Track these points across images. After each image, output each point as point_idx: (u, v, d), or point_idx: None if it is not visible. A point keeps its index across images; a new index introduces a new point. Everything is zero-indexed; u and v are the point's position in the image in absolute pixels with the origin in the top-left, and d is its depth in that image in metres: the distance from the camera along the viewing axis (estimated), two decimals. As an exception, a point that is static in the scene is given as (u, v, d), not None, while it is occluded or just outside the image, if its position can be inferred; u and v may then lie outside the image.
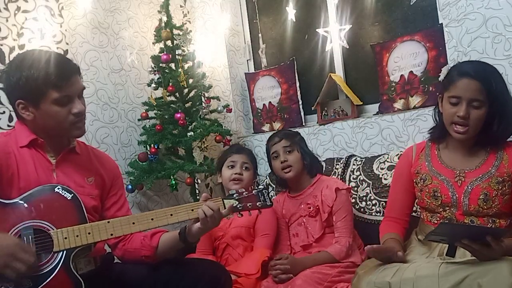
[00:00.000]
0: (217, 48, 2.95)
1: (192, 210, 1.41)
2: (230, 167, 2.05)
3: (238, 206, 1.46)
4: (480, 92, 1.44)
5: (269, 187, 2.39)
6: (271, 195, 1.49)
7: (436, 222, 1.54)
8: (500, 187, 1.45)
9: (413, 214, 1.74)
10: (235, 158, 2.05)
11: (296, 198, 1.98)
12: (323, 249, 1.82)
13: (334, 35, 2.59)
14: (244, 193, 1.47)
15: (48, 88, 1.34)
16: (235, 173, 2.01)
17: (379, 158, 2.11)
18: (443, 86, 1.56)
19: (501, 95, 1.47)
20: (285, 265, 1.71)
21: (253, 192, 1.48)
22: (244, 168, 2.04)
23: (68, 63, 1.41)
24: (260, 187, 1.51)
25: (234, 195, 1.47)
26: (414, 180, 1.62)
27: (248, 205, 1.47)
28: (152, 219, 1.39)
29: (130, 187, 2.44)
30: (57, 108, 1.37)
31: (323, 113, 2.56)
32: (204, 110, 2.59)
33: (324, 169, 2.22)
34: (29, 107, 1.38)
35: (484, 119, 1.46)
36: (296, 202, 1.97)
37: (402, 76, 2.24)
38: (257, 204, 1.47)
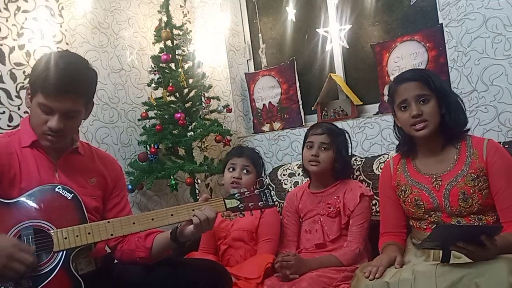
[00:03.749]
0: (217, 48, 2.95)
1: (193, 210, 1.40)
2: (230, 169, 2.03)
3: (239, 206, 1.45)
4: (422, 88, 1.50)
5: (270, 187, 2.39)
6: (273, 194, 1.48)
7: (425, 227, 1.56)
8: (476, 183, 1.46)
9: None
10: (236, 161, 2.03)
11: (316, 195, 1.93)
12: (337, 250, 1.79)
13: (334, 35, 2.60)
14: (246, 193, 1.47)
15: (39, 89, 1.33)
16: (234, 177, 2.00)
17: (379, 158, 2.11)
18: (391, 102, 1.61)
19: (442, 88, 1.51)
20: (290, 261, 1.68)
21: (255, 192, 1.48)
22: (244, 172, 2.01)
23: (73, 81, 1.35)
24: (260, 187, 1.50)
25: (236, 195, 1.47)
26: (397, 193, 1.63)
27: (250, 205, 1.46)
28: (152, 219, 1.39)
29: (130, 187, 2.44)
30: (39, 111, 1.36)
31: (323, 113, 2.56)
32: (204, 110, 2.59)
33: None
34: (29, 96, 1.41)
35: (438, 111, 1.50)
36: (316, 199, 1.92)
37: (402, 76, 2.24)
38: (259, 204, 1.47)
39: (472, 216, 1.47)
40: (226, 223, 1.98)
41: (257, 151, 2.18)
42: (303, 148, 1.96)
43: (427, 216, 1.54)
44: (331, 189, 1.91)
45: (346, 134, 1.96)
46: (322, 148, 1.87)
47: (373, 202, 2.03)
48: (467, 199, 1.46)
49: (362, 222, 1.81)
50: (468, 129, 1.57)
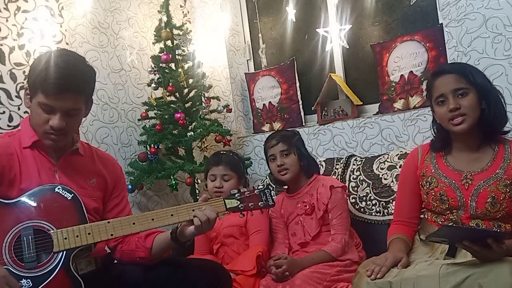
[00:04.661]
0: (217, 48, 2.95)
1: (193, 210, 1.40)
2: (211, 179, 2.08)
3: (239, 206, 1.45)
4: (459, 80, 1.45)
5: (270, 186, 2.39)
6: (273, 194, 1.48)
7: (440, 222, 1.52)
8: (508, 190, 1.41)
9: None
10: (214, 171, 2.07)
11: (294, 198, 1.99)
12: (319, 247, 1.83)
13: (334, 35, 2.59)
14: (246, 193, 1.47)
15: (39, 89, 1.33)
16: (215, 187, 2.05)
17: (379, 158, 2.11)
18: (428, 97, 1.57)
19: (482, 82, 1.46)
20: (283, 265, 1.71)
21: (255, 191, 1.47)
22: (224, 180, 2.06)
23: (73, 79, 1.35)
24: (260, 186, 1.50)
25: (236, 195, 1.46)
26: (420, 183, 1.59)
27: (250, 205, 1.46)
28: (152, 219, 1.39)
29: (130, 187, 2.44)
30: (40, 111, 1.36)
31: (323, 113, 2.56)
32: (204, 110, 2.59)
33: (324, 169, 2.23)
34: (28, 96, 1.40)
35: (477, 105, 1.45)
36: (294, 201, 1.98)
37: (402, 76, 2.24)
38: (259, 204, 1.47)
39: (493, 221, 1.44)
40: (215, 223, 2.01)
41: (232, 153, 2.22)
42: (268, 163, 2.04)
43: (448, 212, 1.50)
44: (306, 189, 1.96)
45: (297, 133, 2.05)
46: (284, 155, 1.95)
47: (373, 202, 2.03)
48: (495, 204, 1.41)
49: (340, 213, 1.86)
50: (508, 131, 1.51)
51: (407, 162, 1.68)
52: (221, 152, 2.23)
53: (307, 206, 1.91)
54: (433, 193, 1.52)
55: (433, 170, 1.55)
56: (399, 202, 1.67)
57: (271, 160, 2.00)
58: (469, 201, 1.45)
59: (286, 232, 2.00)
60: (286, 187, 2.08)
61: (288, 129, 2.09)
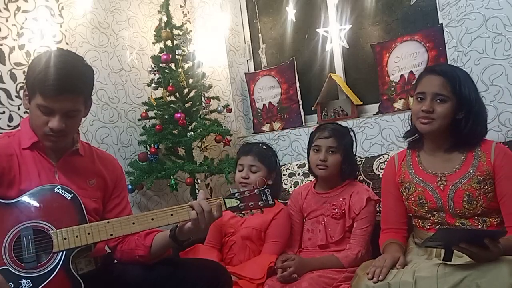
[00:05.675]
0: (217, 48, 2.95)
1: (193, 209, 1.40)
2: (239, 169, 2.02)
3: (239, 206, 1.45)
4: (444, 87, 1.47)
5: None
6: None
7: (428, 227, 1.55)
8: (481, 186, 1.44)
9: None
10: (243, 161, 2.01)
11: (321, 196, 1.92)
12: (340, 251, 1.79)
13: (334, 35, 2.60)
14: (246, 192, 1.46)
15: (38, 91, 1.32)
16: (242, 177, 1.99)
17: (379, 158, 2.11)
18: (413, 88, 1.59)
19: (467, 95, 1.48)
20: (290, 266, 1.68)
21: (255, 191, 1.47)
22: (251, 171, 1.98)
23: (71, 81, 1.34)
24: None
25: (236, 194, 1.46)
26: (400, 190, 1.61)
27: (249, 204, 1.45)
28: (152, 219, 1.38)
29: (130, 187, 2.44)
30: (38, 112, 1.35)
31: (323, 113, 2.56)
32: (204, 110, 2.59)
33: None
34: (26, 98, 1.40)
35: (451, 114, 1.47)
36: (321, 199, 1.92)
37: (402, 76, 2.24)
38: (259, 203, 1.46)
39: (476, 218, 1.47)
40: (236, 219, 1.96)
41: (265, 145, 2.11)
42: (308, 151, 1.94)
43: (429, 215, 1.53)
44: (337, 191, 1.89)
45: (351, 132, 1.94)
46: (330, 152, 1.84)
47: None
48: (472, 201, 1.45)
49: (366, 226, 1.80)
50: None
51: (386, 171, 1.72)
52: (253, 142, 2.15)
53: (336, 210, 1.83)
54: (412, 198, 1.56)
55: (410, 176, 1.58)
56: (385, 210, 1.69)
57: (314, 151, 1.88)
58: (447, 202, 1.48)
59: (300, 229, 1.94)
60: (314, 181, 1.98)
61: (342, 125, 1.94)
